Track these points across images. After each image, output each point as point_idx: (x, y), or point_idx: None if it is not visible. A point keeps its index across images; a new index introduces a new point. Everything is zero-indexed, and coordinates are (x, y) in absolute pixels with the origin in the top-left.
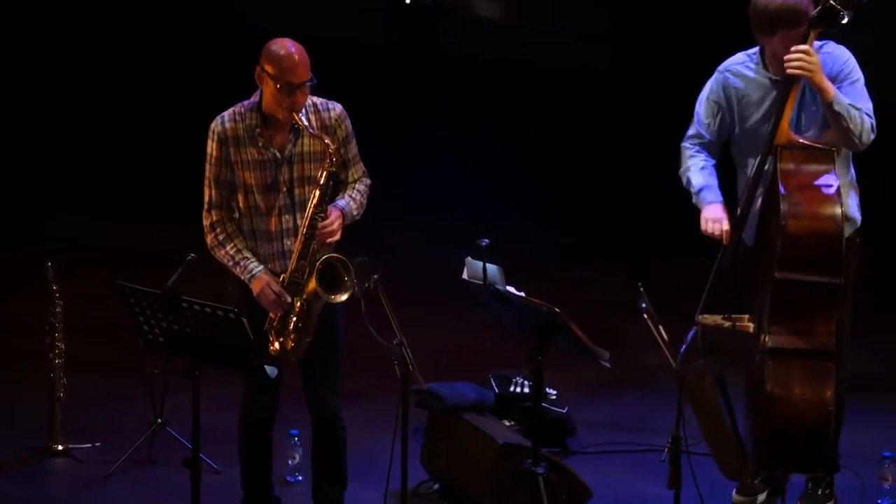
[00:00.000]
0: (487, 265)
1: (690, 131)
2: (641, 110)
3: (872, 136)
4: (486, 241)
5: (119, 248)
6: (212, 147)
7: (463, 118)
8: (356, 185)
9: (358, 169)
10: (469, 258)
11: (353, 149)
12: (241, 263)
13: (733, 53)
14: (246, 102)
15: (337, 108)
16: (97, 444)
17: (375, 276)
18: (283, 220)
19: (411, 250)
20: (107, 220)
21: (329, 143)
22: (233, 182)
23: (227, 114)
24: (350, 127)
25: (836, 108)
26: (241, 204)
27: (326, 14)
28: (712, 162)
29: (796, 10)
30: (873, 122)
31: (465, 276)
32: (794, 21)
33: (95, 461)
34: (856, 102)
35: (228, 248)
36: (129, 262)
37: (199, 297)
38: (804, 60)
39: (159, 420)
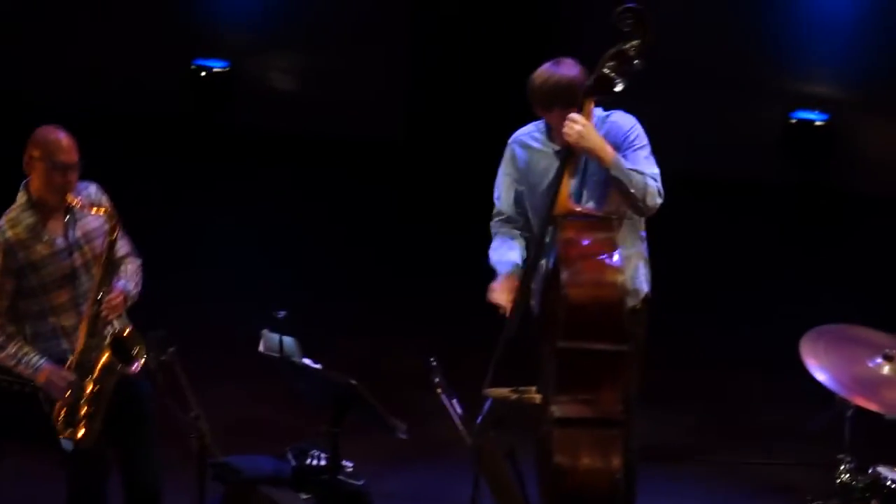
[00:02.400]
0: (284, 338)
1: (494, 208)
2: (434, 179)
3: (659, 201)
4: (283, 312)
5: None
6: None
7: (255, 190)
8: (127, 265)
9: (126, 243)
10: (265, 331)
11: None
12: (24, 360)
13: (529, 121)
14: (13, 208)
15: (92, 186)
16: None
17: (171, 349)
18: (85, 309)
19: (206, 323)
20: None
21: (107, 207)
22: (18, 290)
23: (2, 223)
24: (109, 201)
25: (615, 173)
26: (38, 307)
27: (115, 85)
28: (515, 233)
29: (572, 88)
30: (659, 186)
31: (261, 348)
32: (570, 99)
33: None
34: (639, 167)
35: (9, 348)
36: None
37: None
38: (575, 130)
39: None
